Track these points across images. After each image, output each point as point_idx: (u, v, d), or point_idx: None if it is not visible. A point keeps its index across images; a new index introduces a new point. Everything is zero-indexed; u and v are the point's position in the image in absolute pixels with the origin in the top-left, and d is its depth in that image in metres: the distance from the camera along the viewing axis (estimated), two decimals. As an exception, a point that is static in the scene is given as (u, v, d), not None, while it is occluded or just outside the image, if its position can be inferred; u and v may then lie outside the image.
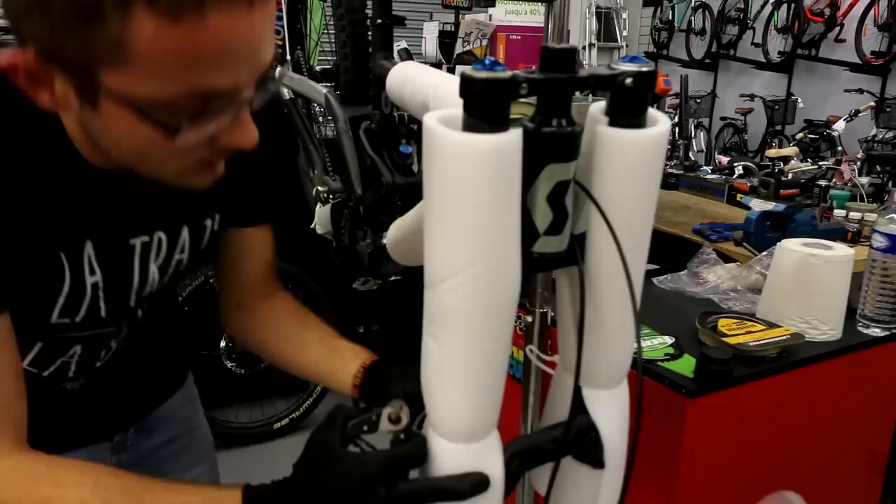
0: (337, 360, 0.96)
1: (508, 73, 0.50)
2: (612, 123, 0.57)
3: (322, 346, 0.99)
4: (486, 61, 0.52)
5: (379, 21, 1.23)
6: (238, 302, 1.06)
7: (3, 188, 0.69)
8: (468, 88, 0.51)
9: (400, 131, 1.24)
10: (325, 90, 1.39)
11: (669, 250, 2.24)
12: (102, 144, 0.70)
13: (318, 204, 1.51)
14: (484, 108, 0.51)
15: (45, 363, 0.85)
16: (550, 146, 0.56)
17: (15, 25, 0.61)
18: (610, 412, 0.68)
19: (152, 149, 0.66)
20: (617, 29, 7.18)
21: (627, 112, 0.57)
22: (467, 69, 0.51)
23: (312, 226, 1.57)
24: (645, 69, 0.55)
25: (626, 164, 0.58)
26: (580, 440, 0.67)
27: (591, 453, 0.67)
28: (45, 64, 0.61)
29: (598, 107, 0.58)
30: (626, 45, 7.19)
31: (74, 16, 0.56)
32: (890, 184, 3.26)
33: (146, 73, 0.59)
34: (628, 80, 0.54)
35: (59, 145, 0.73)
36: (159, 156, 0.68)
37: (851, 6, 5.62)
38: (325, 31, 1.81)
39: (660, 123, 0.57)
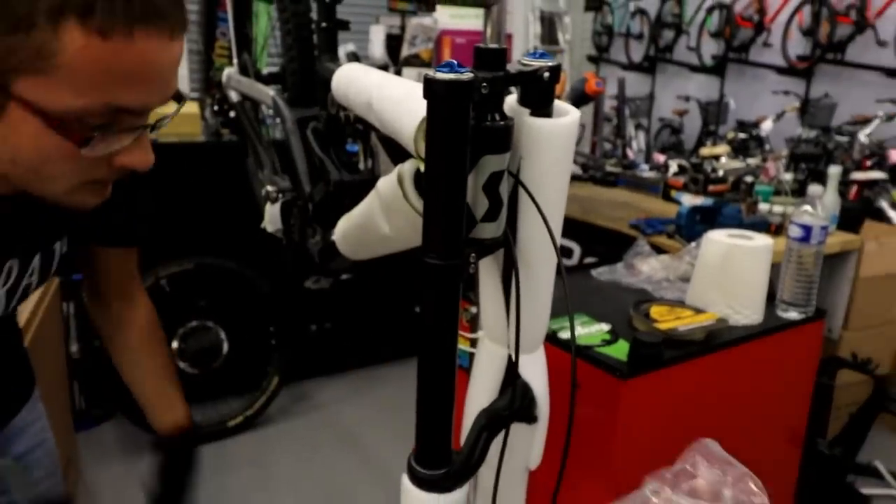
0: (163, 406, 1.09)
1: (470, 75, 0.54)
2: (533, 114, 0.62)
3: (156, 383, 1.10)
4: (453, 63, 0.56)
5: (324, 25, 1.26)
6: (102, 302, 1.10)
7: None
8: (431, 89, 0.54)
9: (346, 131, 1.26)
10: (272, 92, 1.41)
11: (607, 244, 2.32)
12: None
13: (268, 203, 1.51)
14: (447, 108, 0.55)
15: None
16: (486, 139, 0.60)
17: None
18: (536, 372, 0.73)
19: (52, 161, 0.66)
20: (559, 33, 7.27)
21: (542, 102, 0.62)
22: (430, 72, 0.55)
23: (262, 225, 1.58)
24: (552, 63, 0.61)
25: (553, 147, 0.63)
26: (523, 401, 0.71)
27: (528, 412, 0.72)
28: None
29: (512, 100, 0.63)
30: (569, 49, 7.30)
31: (9, 27, 0.57)
32: (811, 179, 3.40)
33: (66, 85, 0.60)
34: (546, 74, 0.60)
35: None
36: (57, 170, 0.68)
37: (778, 12, 5.79)
38: (272, 35, 1.81)
39: (571, 113, 0.63)
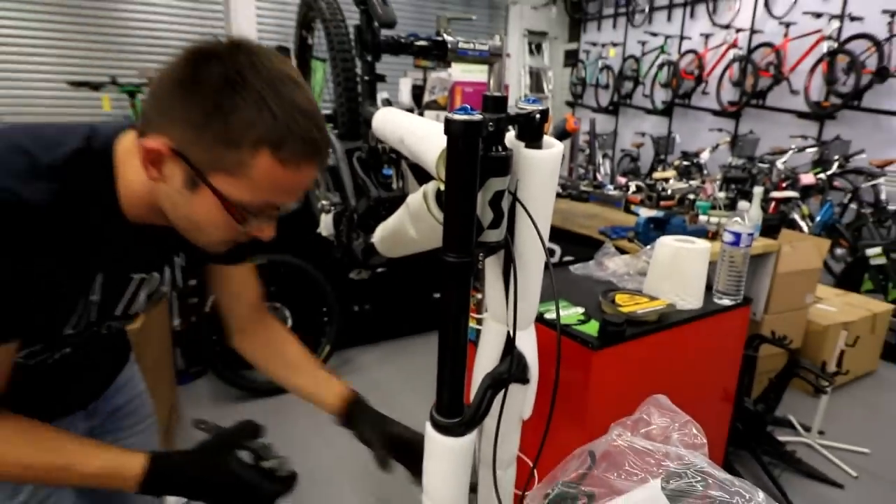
0: (322, 391, 0.99)
1: (479, 117, 0.55)
2: (528, 146, 0.62)
3: (308, 376, 1.01)
4: (466, 107, 0.56)
5: (366, 78, 1.26)
6: (238, 327, 1.04)
7: (54, 245, 0.67)
8: (450, 127, 0.55)
9: (383, 159, 1.27)
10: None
11: (581, 246, 2.31)
12: (166, 209, 0.73)
13: (323, 213, 1.52)
14: (463, 141, 0.55)
15: (36, 355, 0.82)
16: (491, 166, 0.60)
17: (162, 126, 0.66)
18: (528, 344, 0.73)
19: (214, 227, 0.72)
20: (544, 83, 7.27)
21: (534, 137, 0.62)
22: (449, 114, 0.56)
23: (318, 230, 1.58)
24: (542, 108, 0.61)
25: (542, 171, 0.63)
26: (518, 367, 0.71)
27: (522, 375, 0.71)
28: (171, 154, 0.66)
29: (511, 135, 0.63)
30: (551, 96, 7.29)
31: (224, 142, 0.64)
32: (740, 197, 3.38)
33: (246, 188, 0.67)
34: (538, 116, 0.60)
35: (107, 204, 0.73)
36: (214, 232, 0.73)
37: (714, 67, 5.77)
38: (326, 86, 1.82)
39: (556, 146, 0.63)
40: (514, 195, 0.65)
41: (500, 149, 0.61)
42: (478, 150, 0.56)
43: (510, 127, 0.64)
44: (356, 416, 0.96)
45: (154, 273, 0.87)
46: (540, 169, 0.64)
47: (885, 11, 4.37)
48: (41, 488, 0.86)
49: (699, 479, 0.60)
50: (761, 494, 0.58)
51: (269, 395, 2.76)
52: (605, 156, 6.48)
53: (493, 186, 0.62)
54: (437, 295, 3.69)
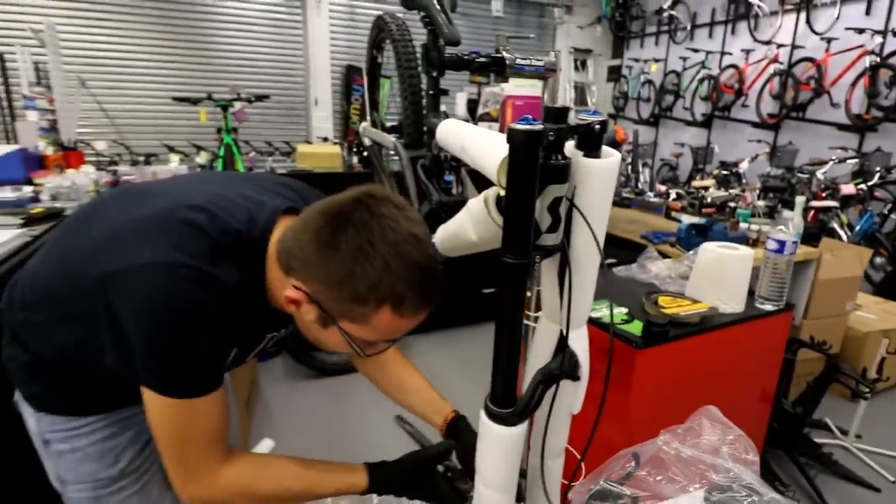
0: (430, 411, 1.01)
1: (540, 126, 0.52)
2: (586, 155, 0.58)
3: (419, 396, 1.03)
4: (528, 118, 0.54)
5: (431, 92, 1.25)
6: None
7: (232, 321, 0.73)
8: (512, 137, 0.53)
9: (444, 166, 1.25)
10: (393, 139, 1.41)
11: (625, 249, 2.22)
12: (299, 326, 0.79)
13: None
14: (525, 150, 0.53)
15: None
16: (551, 173, 0.57)
17: (304, 279, 0.70)
18: (580, 343, 0.69)
19: (339, 349, 0.76)
20: (588, 97, 7.10)
21: (593, 147, 0.59)
22: (514, 125, 0.53)
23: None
24: (602, 118, 0.58)
25: (600, 179, 0.60)
26: (570, 364, 0.68)
27: (574, 372, 0.68)
28: (307, 301, 0.70)
29: (570, 144, 0.60)
30: (595, 109, 7.10)
31: (353, 300, 0.67)
32: (779, 205, 3.19)
33: (368, 331, 0.71)
34: (597, 126, 0.57)
35: (260, 289, 0.77)
36: (338, 350, 0.77)
37: (754, 82, 5.48)
38: (392, 100, 1.83)
39: (614, 155, 0.59)
40: (571, 202, 0.62)
41: (559, 157, 0.58)
42: (538, 158, 0.54)
43: (570, 137, 0.61)
44: (457, 435, 0.98)
45: (283, 329, 0.92)
46: (598, 177, 0.60)
47: (929, 26, 4.04)
48: (139, 459, 0.90)
49: (744, 494, 0.55)
50: None
51: (336, 374, 2.80)
52: (644, 164, 6.27)
53: (551, 193, 0.59)
54: (486, 290, 3.64)
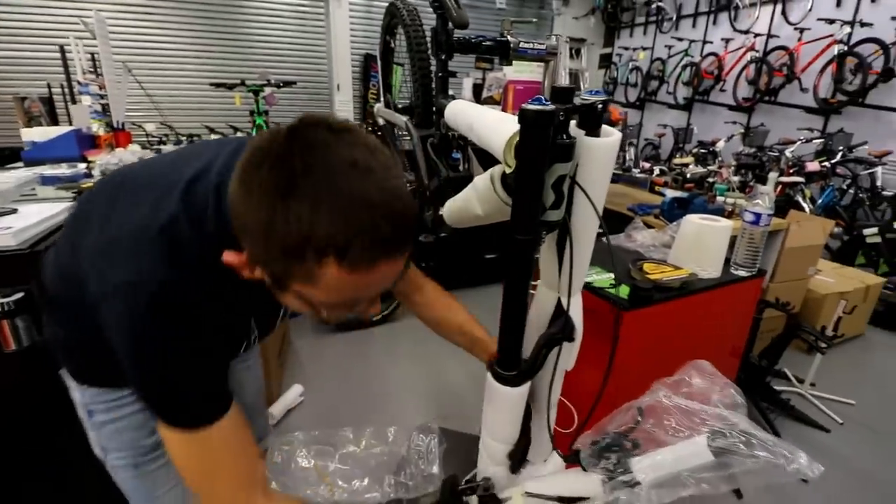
0: (476, 350, 0.88)
1: (552, 106, 0.46)
2: (588, 134, 0.52)
3: (464, 336, 0.89)
4: (540, 98, 0.48)
5: (440, 74, 1.17)
6: (399, 291, 0.92)
7: (213, 328, 0.59)
8: (524, 116, 0.47)
9: (452, 144, 1.19)
10: (404, 119, 1.34)
11: (611, 220, 2.16)
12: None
13: (400, 189, 1.46)
14: (537, 129, 0.47)
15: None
16: (558, 152, 0.51)
17: (240, 237, 0.53)
18: (576, 308, 0.65)
19: (303, 310, 0.59)
20: (581, 83, 6.85)
21: (595, 125, 0.53)
22: (526, 105, 0.47)
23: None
24: (604, 98, 0.53)
25: (601, 157, 0.54)
26: (567, 328, 0.64)
27: (570, 334, 0.64)
28: (254, 264, 0.55)
29: (572, 124, 0.54)
30: (586, 94, 6.88)
31: (287, 254, 0.49)
32: (751, 181, 3.08)
33: (322, 291, 0.52)
34: (600, 106, 0.51)
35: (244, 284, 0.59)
36: (301, 311, 0.61)
37: (732, 68, 5.25)
38: (404, 84, 1.74)
39: (614, 135, 0.54)
40: (573, 179, 0.56)
41: (565, 137, 0.52)
42: (548, 138, 0.48)
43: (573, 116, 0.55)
44: None
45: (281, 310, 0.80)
46: (599, 155, 0.54)
47: (893, 18, 3.84)
48: (116, 411, 0.80)
49: (743, 438, 0.51)
50: (803, 455, 0.49)
51: (356, 328, 2.80)
52: (630, 144, 6.10)
53: (556, 171, 0.53)
54: (489, 255, 3.59)
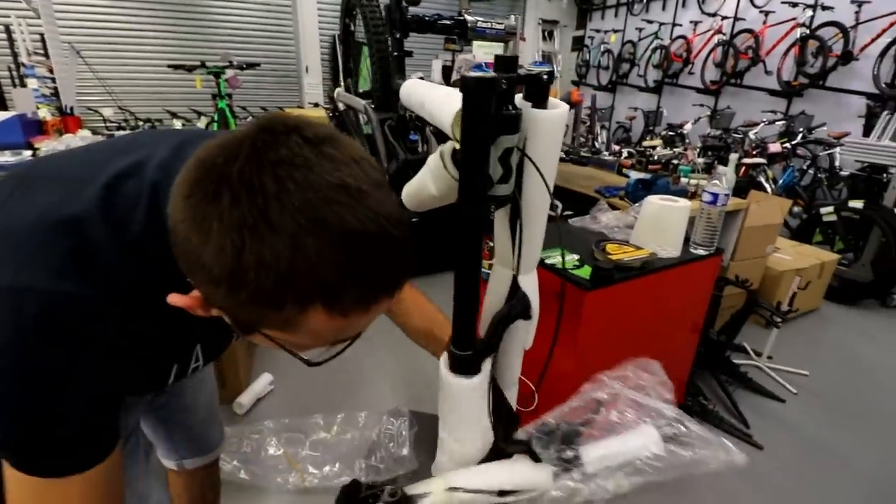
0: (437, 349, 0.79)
1: (493, 74, 0.46)
2: (534, 106, 0.53)
3: (438, 346, 0.80)
4: (481, 65, 0.47)
5: (396, 54, 1.15)
6: None
7: (110, 348, 0.47)
8: (465, 84, 0.46)
9: (409, 126, 1.17)
10: (364, 103, 1.31)
11: (579, 202, 2.19)
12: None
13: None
14: (478, 97, 0.46)
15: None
16: (503, 124, 0.51)
17: (189, 275, 0.41)
18: (531, 286, 0.65)
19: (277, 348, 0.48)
20: (554, 65, 6.86)
21: (541, 97, 0.53)
22: (466, 73, 0.46)
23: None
24: (549, 69, 0.52)
25: (548, 130, 0.54)
26: (523, 306, 0.64)
27: (525, 312, 0.65)
28: (211, 306, 0.44)
29: (519, 96, 0.54)
30: (560, 76, 6.89)
31: (260, 303, 0.38)
32: (716, 162, 3.16)
33: (302, 336, 0.43)
34: (545, 76, 0.51)
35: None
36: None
37: (700, 51, 5.34)
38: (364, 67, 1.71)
39: (561, 107, 0.54)
40: (522, 151, 0.56)
41: (510, 108, 0.52)
42: (491, 107, 0.47)
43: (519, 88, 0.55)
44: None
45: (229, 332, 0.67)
46: (546, 127, 0.54)
47: (853, 2, 3.95)
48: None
49: (683, 428, 0.53)
50: (732, 448, 0.52)
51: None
52: (602, 127, 6.16)
53: (503, 143, 0.53)
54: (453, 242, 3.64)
